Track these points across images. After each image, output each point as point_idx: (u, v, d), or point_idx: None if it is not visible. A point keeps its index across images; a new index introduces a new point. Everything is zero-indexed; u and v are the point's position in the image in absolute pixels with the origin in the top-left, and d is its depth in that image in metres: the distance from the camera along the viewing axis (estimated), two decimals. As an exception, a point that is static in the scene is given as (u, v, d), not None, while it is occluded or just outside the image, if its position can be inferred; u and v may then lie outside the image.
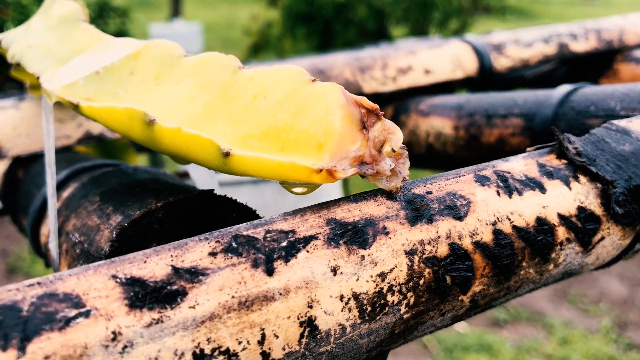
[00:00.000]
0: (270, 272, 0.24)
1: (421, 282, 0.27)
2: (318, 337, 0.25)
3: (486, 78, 0.74)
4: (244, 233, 0.25)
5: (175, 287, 0.22)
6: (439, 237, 0.28)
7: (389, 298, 0.26)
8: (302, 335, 0.24)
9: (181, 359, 0.22)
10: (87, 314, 0.21)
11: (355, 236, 0.26)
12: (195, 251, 0.24)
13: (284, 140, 0.29)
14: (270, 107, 0.30)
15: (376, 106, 0.28)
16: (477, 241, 0.28)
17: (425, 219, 0.28)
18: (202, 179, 0.38)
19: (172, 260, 0.23)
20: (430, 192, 0.29)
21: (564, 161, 0.33)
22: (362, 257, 0.26)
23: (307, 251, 0.25)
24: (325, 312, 0.25)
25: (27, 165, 0.53)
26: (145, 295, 0.22)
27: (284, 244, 0.25)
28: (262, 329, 0.23)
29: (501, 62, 0.75)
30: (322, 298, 0.25)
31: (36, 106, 0.54)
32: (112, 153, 0.67)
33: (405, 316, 0.27)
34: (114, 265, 0.23)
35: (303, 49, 6.69)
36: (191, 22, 6.76)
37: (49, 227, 0.36)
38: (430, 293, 0.27)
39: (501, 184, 0.30)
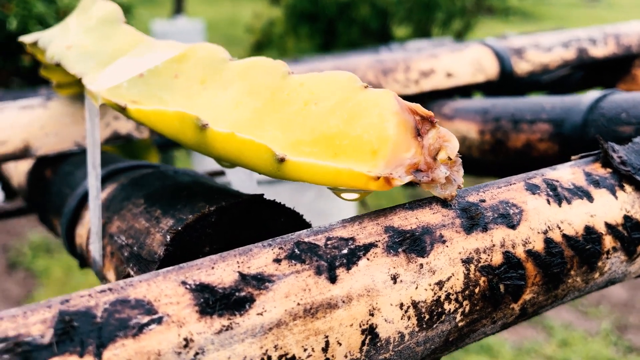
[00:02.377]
0: (333, 279, 0.24)
1: (476, 290, 0.27)
2: (378, 344, 0.25)
3: (506, 82, 0.74)
4: (306, 240, 0.25)
5: (243, 294, 0.22)
6: (494, 245, 0.28)
7: (446, 306, 0.26)
8: (363, 343, 0.24)
9: (249, 366, 0.22)
10: (159, 321, 0.21)
11: (414, 244, 0.26)
12: (260, 257, 0.24)
13: (336, 147, 0.29)
14: (322, 113, 0.30)
15: (431, 114, 0.28)
16: (529, 250, 0.29)
17: (480, 227, 0.28)
18: (240, 181, 0.38)
19: (238, 267, 0.23)
20: (483, 201, 0.29)
21: (609, 170, 0.33)
22: (421, 265, 0.26)
23: (368, 259, 0.25)
24: (385, 320, 0.25)
25: (55, 164, 0.53)
26: (215, 302, 0.22)
27: (345, 251, 0.25)
28: (326, 337, 0.24)
29: (522, 67, 0.75)
30: (382, 306, 0.25)
31: (63, 105, 0.54)
32: (134, 152, 0.67)
33: (460, 324, 0.27)
34: (183, 272, 0.23)
35: (306, 47, 6.69)
36: (194, 19, 6.75)
37: (90, 229, 0.36)
38: (485, 301, 0.28)
39: (551, 193, 0.30)
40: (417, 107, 0.28)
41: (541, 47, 0.78)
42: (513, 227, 0.28)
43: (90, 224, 0.36)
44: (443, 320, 0.27)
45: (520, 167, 0.56)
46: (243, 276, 0.23)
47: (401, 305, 0.25)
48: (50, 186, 0.50)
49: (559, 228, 0.30)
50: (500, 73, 0.74)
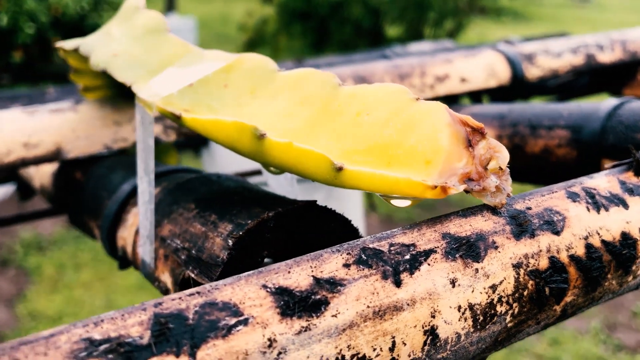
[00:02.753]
0: (398, 283, 0.25)
1: (525, 293, 0.29)
2: (437, 344, 0.26)
3: (518, 87, 0.76)
4: (370, 246, 0.26)
5: (318, 297, 0.24)
6: (541, 250, 0.29)
7: (498, 308, 0.28)
8: (425, 343, 0.26)
9: (326, 365, 0.23)
10: (245, 322, 0.22)
11: (469, 250, 0.28)
12: (330, 262, 0.25)
13: (390, 156, 0.30)
14: (375, 123, 0.31)
15: (481, 125, 0.30)
16: (572, 255, 0.30)
17: (528, 233, 0.29)
18: (280, 186, 0.40)
19: (312, 271, 0.25)
20: (529, 208, 0.30)
21: (641, 178, 0.35)
22: (476, 270, 0.27)
23: (429, 264, 0.26)
24: (445, 322, 0.26)
25: (85, 167, 0.54)
26: (294, 304, 0.23)
27: (407, 257, 0.26)
28: (393, 337, 0.25)
29: (532, 72, 0.77)
30: (442, 308, 0.26)
31: (93, 109, 0.55)
32: (156, 154, 0.68)
33: (509, 325, 0.29)
34: (262, 276, 0.24)
35: (298, 46, 6.70)
36: (186, 17, 6.74)
37: (139, 232, 0.37)
38: (531, 303, 0.29)
39: (590, 200, 0.32)
40: (468, 118, 0.30)
41: (551, 53, 0.79)
42: (557, 233, 0.30)
43: (140, 227, 0.37)
44: (495, 321, 0.28)
45: (538, 171, 0.58)
46: (317, 280, 0.24)
47: (459, 307, 0.27)
48: (82, 188, 0.51)
49: (598, 234, 0.31)
50: (512, 78, 0.75)
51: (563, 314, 0.31)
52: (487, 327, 0.28)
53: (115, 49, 0.40)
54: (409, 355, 0.26)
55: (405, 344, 0.25)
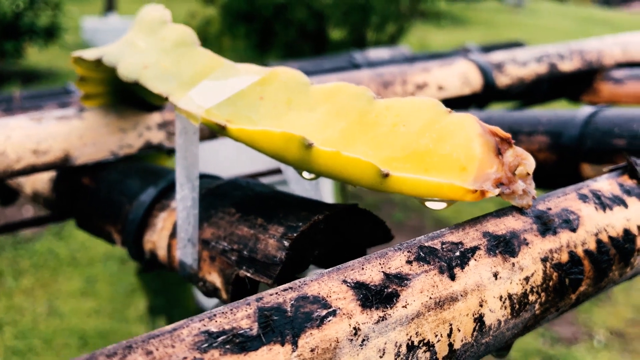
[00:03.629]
0: (452, 277, 0.29)
1: (550, 284, 0.33)
2: (483, 330, 0.30)
3: (489, 94, 0.81)
4: (425, 244, 0.30)
5: (390, 290, 0.27)
6: (562, 246, 0.33)
7: (530, 298, 0.32)
8: (474, 330, 0.29)
9: (400, 350, 0.26)
10: (334, 314, 0.25)
11: (506, 247, 0.31)
12: (395, 260, 0.28)
13: (427, 163, 0.34)
14: (411, 134, 0.35)
15: (509, 135, 0.33)
16: (586, 249, 0.34)
17: (551, 231, 0.33)
18: (305, 191, 0.43)
19: (381, 268, 0.28)
20: (550, 209, 0.34)
21: (635, 181, 0.39)
22: (513, 264, 0.31)
23: (475, 260, 0.30)
24: (490, 310, 0.30)
25: (93, 173, 0.55)
26: (372, 297, 0.26)
27: (457, 253, 0.30)
28: (450, 325, 0.28)
29: (502, 80, 0.82)
30: (488, 299, 0.30)
31: (98, 116, 0.57)
32: (150, 159, 0.70)
33: (537, 312, 0.33)
34: (341, 272, 0.27)
35: (242, 47, 6.68)
36: (126, 17, 6.61)
37: (180, 236, 0.39)
38: (555, 293, 0.33)
39: (597, 201, 0.36)
40: (497, 129, 0.33)
41: (518, 62, 0.85)
42: (574, 230, 0.34)
43: (179, 231, 0.39)
44: (527, 309, 0.32)
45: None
46: (387, 275, 0.27)
47: (501, 297, 0.30)
48: (94, 194, 0.52)
49: (606, 231, 0.35)
50: (484, 86, 0.80)
51: (576, 302, 0.35)
52: (520, 314, 0.32)
53: (144, 61, 0.42)
54: (462, 340, 0.29)
55: (459, 330, 0.29)
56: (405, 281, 0.28)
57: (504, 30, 9.47)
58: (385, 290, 0.27)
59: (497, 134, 0.34)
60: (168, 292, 0.86)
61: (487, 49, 1.29)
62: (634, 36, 1.02)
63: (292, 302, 0.25)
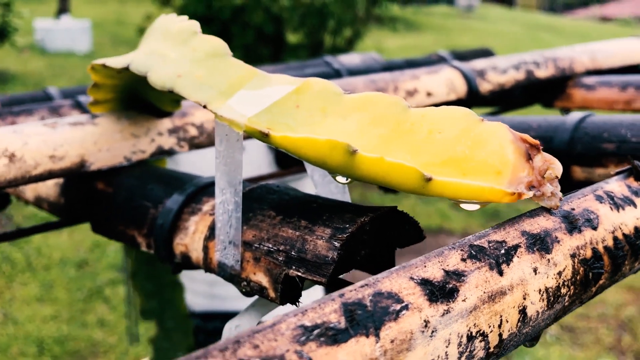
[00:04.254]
0: (500, 273, 0.31)
1: (577, 278, 0.36)
2: (525, 321, 0.33)
3: (472, 100, 0.85)
4: (474, 243, 0.32)
5: (450, 286, 0.29)
6: (586, 243, 0.36)
7: (562, 290, 0.35)
8: (518, 320, 0.32)
9: (461, 340, 0.29)
10: (407, 308, 0.28)
11: (542, 244, 0.34)
12: (451, 258, 0.31)
13: (464, 168, 0.36)
14: (448, 140, 0.37)
15: (537, 142, 0.36)
16: (605, 246, 0.37)
17: (577, 230, 0.36)
18: (332, 194, 0.45)
19: (441, 265, 0.30)
20: (573, 209, 0.37)
21: (639, 183, 0.43)
22: (548, 260, 0.34)
23: (518, 257, 0.33)
24: (531, 303, 0.33)
25: (107, 178, 0.56)
26: (436, 292, 0.29)
27: (502, 251, 0.32)
28: (500, 316, 0.31)
29: (485, 87, 0.86)
30: (530, 292, 0.33)
31: (111, 122, 0.57)
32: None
33: (566, 304, 0.36)
34: (406, 270, 0.29)
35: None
36: (79, 18, 6.49)
37: (219, 238, 0.41)
38: (581, 286, 0.36)
39: (611, 202, 0.40)
40: (526, 136, 0.36)
41: (498, 69, 0.89)
42: (595, 229, 0.37)
43: (219, 234, 0.40)
44: (559, 301, 0.35)
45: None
46: (447, 272, 0.30)
47: (539, 290, 0.33)
48: (113, 199, 0.53)
49: (620, 229, 0.39)
50: (468, 92, 0.84)
51: (595, 293, 0.39)
52: (554, 306, 0.34)
53: (177, 71, 0.44)
54: (509, 331, 0.32)
55: (507, 322, 0.31)
56: (462, 277, 0.30)
57: (456, 34, 9.67)
58: (447, 285, 0.29)
59: (526, 140, 0.36)
60: (161, 295, 0.86)
61: (459, 55, 1.33)
62: (600, 45, 1.07)
63: (370, 297, 0.27)
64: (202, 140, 0.62)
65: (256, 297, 0.43)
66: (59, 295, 3.24)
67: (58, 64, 6.13)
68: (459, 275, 0.30)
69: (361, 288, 0.28)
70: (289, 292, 0.37)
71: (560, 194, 0.37)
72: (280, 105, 0.41)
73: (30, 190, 0.67)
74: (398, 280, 0.28)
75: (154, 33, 0.51)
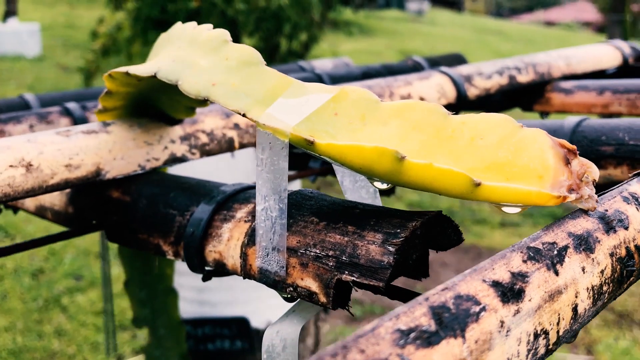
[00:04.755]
0: (556, 273, 0.33)
1: (615, 275, 0.38)
2: (576, 318, 0.34)
3: (461, 105, 0.87)
4: (531, 245, 0.34)
5: (517, 287, 0.31)
6: (621, 242, 0.38)
7: (604, 288, 0.36)
8: (571, 318, 0.34)
9: (529, 338, 0.30)
10: (484, 309, 0.29)
11: (586, 244, 0.36)
12: (514, 260, 0.32)
13: (507, 173, 0.38)
14: (490, 146, 0.39)
15: (574, 147, 0.38)
16: (636, 244, 0.40)
17: (612, 230, 0.38)
18: (362, 199, 0.46)
19: (506, 267, 0.31)
20: (607, 210, 0.39)
21: (655, 184, 0.45)
22: (593, 259, 0.36)
23: (568, 257, 0.34)
24: (581, 300, 0.34)
25: (122, 186, 0.56)
26: (507, 293, 0.30)
27: (555, 252, 0.34)
28: (559, 314, 0.32)
29: (472, 91, 0.88)
30: (580, 290, 0.34)
31: (123, 130, 0.57)
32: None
33: (605, 301, 0.38)
34: (478, 273, 0.30)
35: (153, 53, 6.52)
36: (28, 22, 6.32)
37: (261, 245, 0.41)
38: (617, 283, 0.38)
39: (636, 203, 0.42)
40: (564, 142, 0.38)
41: (484, 75, 0.91)
42: (626, 228, 0.39)
43: (261, 240, 0.41)
44: (600, 298, 0.37)
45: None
46: (513, 274, 0.31)
47: (587, 288, 0.35)
48: (133, 207, 0.53)
49: (646, 228, 0.41)
50: (457, 97, 0.86)
51: (625, 289, 0.41)
52: (597, 303, 0.36)
53: (211, 79, 0.44)
54: (564, 328, 0.33)
55: (563, 319, 0.33)
56: (526, 278, 0.31)
57: (408, 38, 9.82)
58: (515, 287, 0.31)
59: (564, 145, 0.38)
60: (153, 302, 0.86)
61: (432, 61, 1.36)
62: (573, 51, 1.12)
63: (452, 300, 0.28)
64: (213, 147, 0.62)
65: (296, 302, 0.43)
66: (14, 305, 3.15)
67: (6, 67, 5.95)
68: (523, 277, 0.31)
69: (442, 291, 0.29)
70: (340, 297, 0.38)
71: (596, 196, 0.38)
72: (319, 113, 0.41)
73: (30, 200, 0.66)
74: (473, 283, 0.30)
75: (174, 41, 0.51)
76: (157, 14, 5.66)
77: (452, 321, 0.27)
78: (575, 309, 0.34)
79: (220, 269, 0.45)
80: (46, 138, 0.53)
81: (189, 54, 0.47)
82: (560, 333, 0.33)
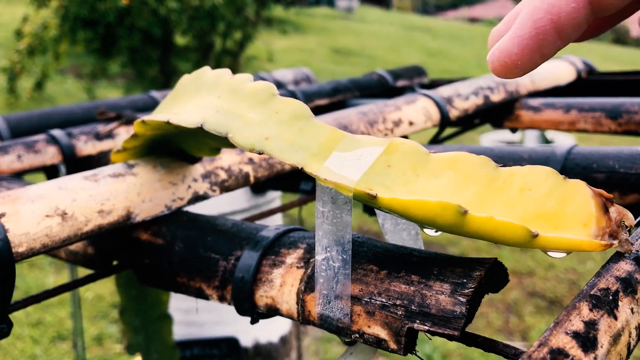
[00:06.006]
0: (615, 317, 0.37)
1: (650, 311, 0.42)
2: (629, 355, 0.38)
3: (444, 126, 0.91)
4: (592, 293, 0.37)
5: (591, 335, 0.34)
6: (652, 280, 0.43)
7: (645, 324, 0.41)
8: (626, 357, 0.38)
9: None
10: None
11: (631, 287, 0.40)
12: (583, 309, 0.36)
13: (556, 222, 0.41)
14: (538, 197, 0.42)
15: (611, 195, 0.42)
16: (661, 280, 0.44)
17: (646, 269, 0.43)
18: (404, 241, 0.48)
19: (580, 318, 0.35)
20: (638, 251, 0.44)
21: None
22: (637, 300, 0.40)
23: (621, 301, 0.38)
24: (632, 339, 0.38)
25: (149, 228, 0.56)
26: (587, 343, 0.33)
27: (610, 298, 0.38)
28: (620, 356, 0.36)
29: (453, 113, 0.93)
30: (632, 330, 0.38)
31: (149, 172, 0.58)
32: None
33: (643, 335, 0.42)
34: (559, 325, 0.34)
35: (82, 52, 6.34)
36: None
37: (322, 293, 0.43)
38: (651, 317, 0.42)
39: (656, 239, 0.46)
40: (602, 191, 0.42)
41: (462, 96, 0.96)
42: (654, 266, 0.44)
43: (322, 289, 0.43)
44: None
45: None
46: (585, 323, 0.35)
47: (636, 327, 0.39)
48: (167, 250, 0.54)
49: (666, 263, 0.46)
50: (441, 119, 0.90)
51: (649, 321, 0.45)
52: (638, 340, 0.41)
53: (264, 133, 0.45)
54: (633, 340, 0.37)
55: (622, 359, 0.37)
56: (595, 326, 0.35)
57: (338, 35, 9.92)
58: (589, 335, 0.34)
59: (602, 194, 0.42)
60: (147, 329, 0.86)
61: (394, 74, 1.41)
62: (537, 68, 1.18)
63: (549, 356, 0.31)
64: (231, 183, 0.63)
65: (354, 345, 0.45)
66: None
67: None
68: (593, 325, 0.35)
69: (539, 347, 0.32)
70: (410, 344, 0.40)
71: (632, 240, 0.43)
72: (373, 166, 0.44)
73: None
74: (558, 336, 0.33)
75: (211, 89, 0.52)
76: (86, 13, 5.49)
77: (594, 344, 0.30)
78: (629, 347, 0.38)
79: (273, 314, 0.47)
80: (76, 184, 0.53)
81: (234, 106, 0.48)
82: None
